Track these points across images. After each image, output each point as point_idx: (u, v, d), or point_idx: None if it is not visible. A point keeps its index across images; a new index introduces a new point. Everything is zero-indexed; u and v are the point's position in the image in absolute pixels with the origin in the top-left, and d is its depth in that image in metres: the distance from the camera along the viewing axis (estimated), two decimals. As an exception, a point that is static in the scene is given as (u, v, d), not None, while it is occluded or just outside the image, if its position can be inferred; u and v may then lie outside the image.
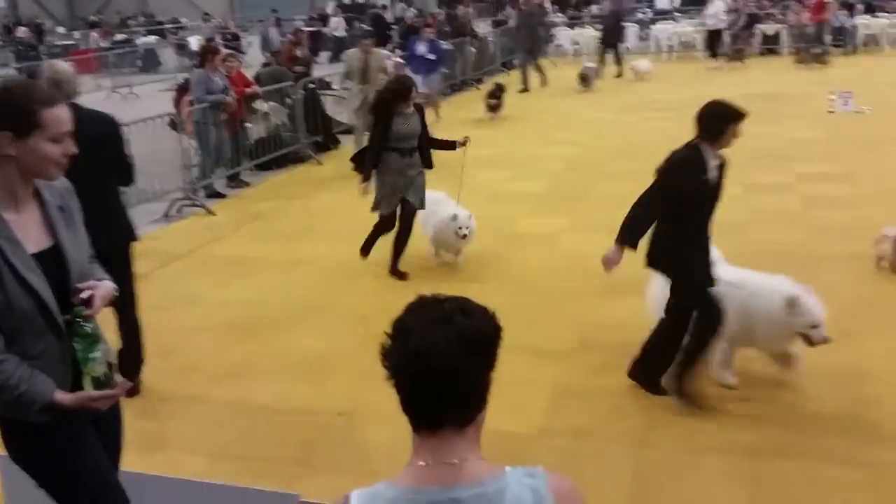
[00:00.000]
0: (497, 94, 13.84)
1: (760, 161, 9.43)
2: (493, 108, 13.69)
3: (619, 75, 18.06)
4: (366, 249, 6.70)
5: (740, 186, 8.46)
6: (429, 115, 10.87)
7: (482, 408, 1.59)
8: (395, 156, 6.29)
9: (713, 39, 19.70)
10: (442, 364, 1.49)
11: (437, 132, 8.93)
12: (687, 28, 22.05)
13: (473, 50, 18.54)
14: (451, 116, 13.69)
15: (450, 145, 6.62)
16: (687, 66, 19.39)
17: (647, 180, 4.33)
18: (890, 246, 6.00)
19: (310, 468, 4.00)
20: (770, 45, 20.99)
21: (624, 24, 20.22)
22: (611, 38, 18.60)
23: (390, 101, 6.32)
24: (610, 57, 18.36)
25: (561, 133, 12.37)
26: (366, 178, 6.43)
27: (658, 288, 4.60)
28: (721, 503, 3.60)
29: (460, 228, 6.49)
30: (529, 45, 17.18)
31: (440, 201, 6.76)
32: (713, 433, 4.11)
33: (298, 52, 13.15)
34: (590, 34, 22.24)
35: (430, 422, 1.54)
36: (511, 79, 17.19)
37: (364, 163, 6.57)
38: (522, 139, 12.24)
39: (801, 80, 16.11)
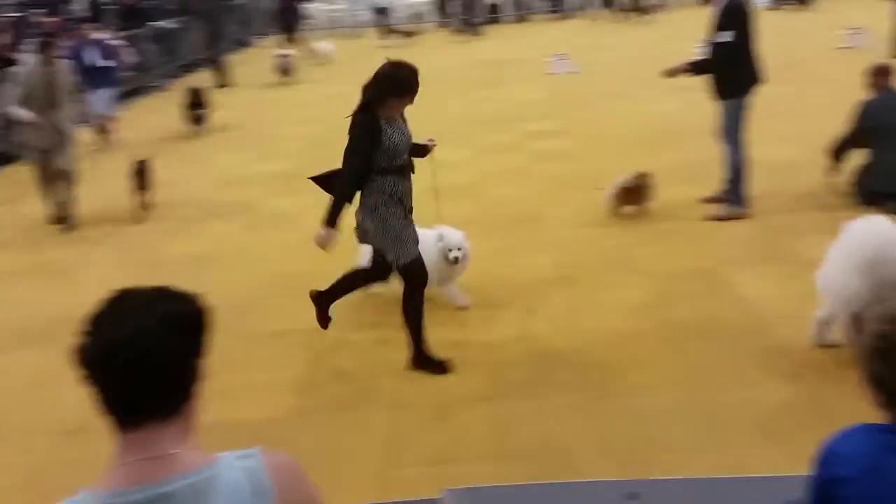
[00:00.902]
0: (200, 101, 11.16)
1: (489, 124, 10.06)
2: (198, 120, 11.09)
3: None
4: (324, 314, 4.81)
5: (470, 149, 9.01)
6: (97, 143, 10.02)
7: (191, 396, 1.55)
8: (394, 180, 4.33)
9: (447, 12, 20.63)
10: (141, 349, 1.41)
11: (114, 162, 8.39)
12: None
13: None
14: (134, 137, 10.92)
15: (422, 151, 4.65)
16: (424, 38, 20.07)
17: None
18: (614, 193, 6.66)
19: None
20: (495, 14, 22.35)
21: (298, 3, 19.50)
22: (287, 20, 17.87)
23: (387, 99, 4.25)
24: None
25: (302, 111, 12.33)
26: (333, 223, 4.24)
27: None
28: (472, 444, 3.85)
29: (450, 251, 5.01)
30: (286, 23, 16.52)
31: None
32: (458, 385, 4.37)
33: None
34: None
35: (132, 416, 1.45)
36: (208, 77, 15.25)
37: (337, 193, 4.31)
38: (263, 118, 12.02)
39: (523, 46, 17.30)
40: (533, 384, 4.34)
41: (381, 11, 19.70)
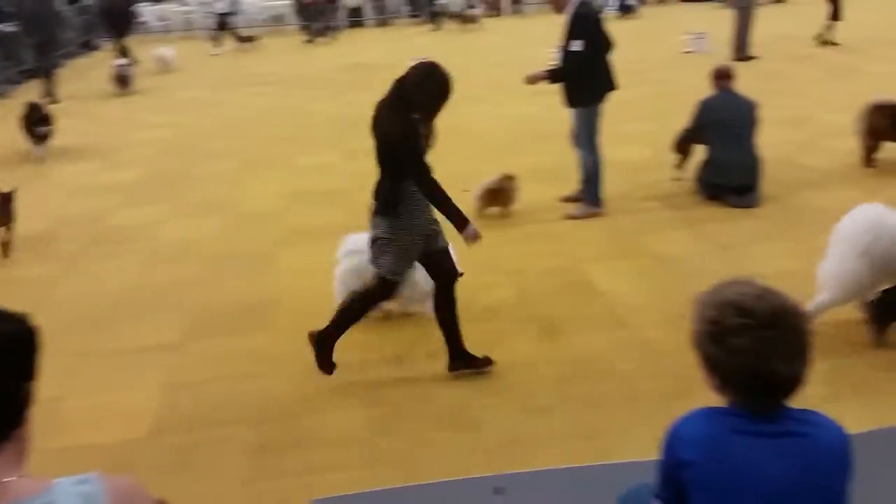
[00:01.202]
0: (41, 117, 9.61)
1: (357, 128, 9.96)
2: (41, 138, 9.58)
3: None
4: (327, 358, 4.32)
5: (338, 154, 8.93)
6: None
7: (22, 421, 1.46)
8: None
9: (306, 15, 20.19)
10: None
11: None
12: (278, 2, 22.35)
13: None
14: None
15: None
16: (282, 41, 19.71)
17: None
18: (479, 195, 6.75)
19: None
20: (356, 18, 22.27)
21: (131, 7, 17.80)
22: (114, 23, 16.27)
23: (439, 105, 3.99)
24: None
25: (154, 116, 11.81)
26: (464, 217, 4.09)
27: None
28: (340, 453, 3.79)
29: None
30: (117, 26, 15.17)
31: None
32: (322, 394, 4.30)
33: None
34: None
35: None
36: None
37: (443, 196, 4.07)
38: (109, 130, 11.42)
39: (386, 50, 17.32)
40: (399, 389, 4.33)
41: (224, 15, 18.42)
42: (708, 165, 6.82)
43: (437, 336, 4.34)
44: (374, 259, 4.15)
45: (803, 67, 12.24)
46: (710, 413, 1.80)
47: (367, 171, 6.94)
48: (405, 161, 3.97)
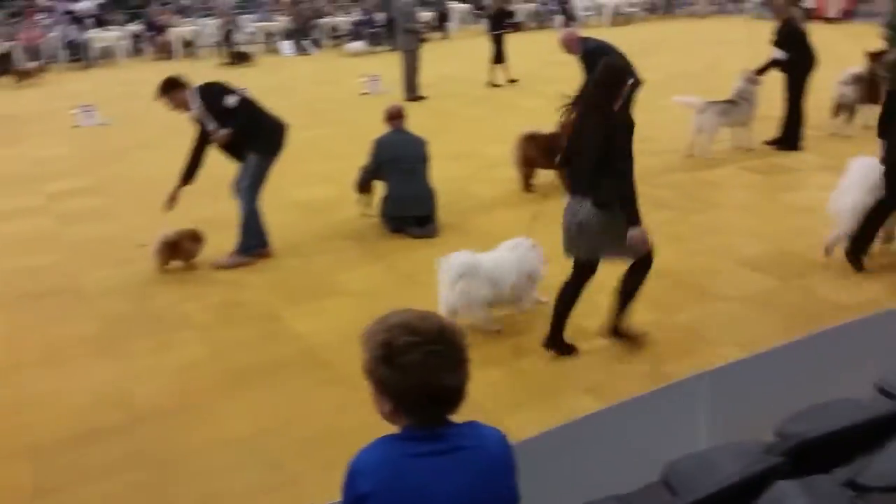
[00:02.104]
0: None
1: (3, 186, 8.88)
2: None
3: None
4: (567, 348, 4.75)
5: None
6: None
7: None
8: None
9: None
10: None
11: None
12: None
13: None
14: None
15: None
16: None
17: None
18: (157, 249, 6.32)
19: None
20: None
21: None
22: None
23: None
24: None
25: None
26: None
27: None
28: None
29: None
30: None
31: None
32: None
33: None
34: None
35: None
36: None
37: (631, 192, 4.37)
38: None
39: (42, 98, 15.75)
40: (99, 469, 3.86)
41: None
42: (388, 200, 7.08)
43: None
44: (575, 244, 4.53)
45: (467, 105, 13.32)
46: (386, 441, 1.81)
47: (19, 235, 6.31)
48: (620, 153, 4.29)
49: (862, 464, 2.30)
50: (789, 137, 9.17)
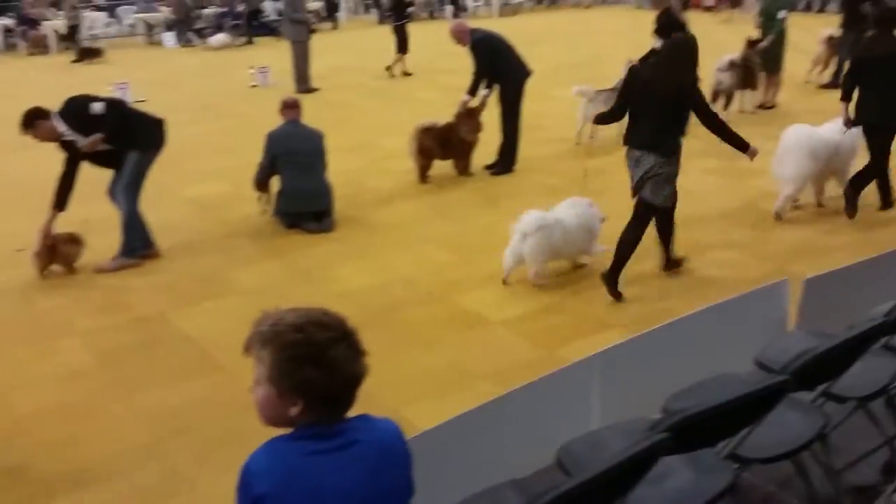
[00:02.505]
0: None
1: None
2: None
3: None
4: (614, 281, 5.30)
5: None
6: None
7: None
8: None
9: None
10: None
11: None
12: None
13: None
14: None
15: None
16: None
17: None
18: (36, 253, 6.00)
19: None
20: None
21: None
22: None
23: None
24: None
25: None
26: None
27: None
28: None
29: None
30: None
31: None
32: None
33: None
34: None
35: None
36: None
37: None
38: None
39: None
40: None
41: None
42: (283, 195, 6.94)
43: None
44: (652, 193, 5.14)
45: (361, 97, 13.22)
46: (278, 442, 1.78)
47: None
48: (691, 103, 5.07)
49: (743, 437, 2.42)
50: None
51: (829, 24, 13.26)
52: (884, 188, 6.71)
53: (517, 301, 5.38)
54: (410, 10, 15.90)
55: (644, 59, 5.72)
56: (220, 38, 19.38)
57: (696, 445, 2.29)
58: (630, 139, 5.21)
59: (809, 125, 6.77)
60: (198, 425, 4.11)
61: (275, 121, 7.12)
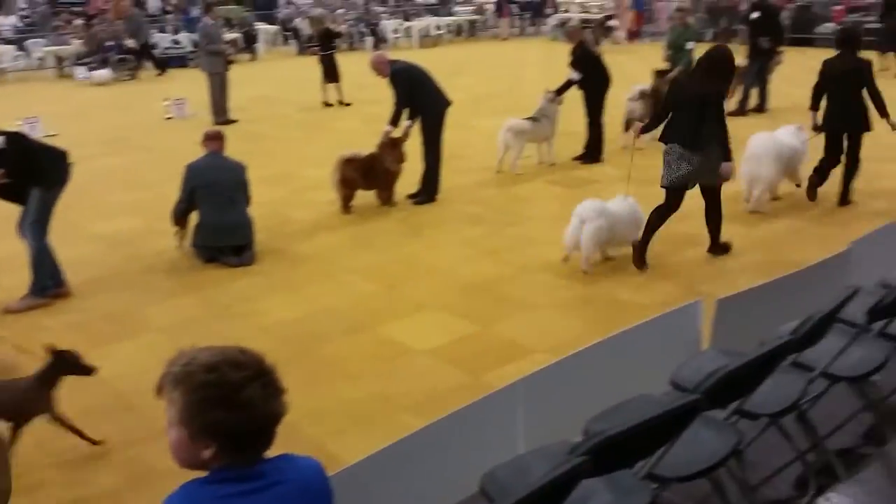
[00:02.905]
0: None
1: None
2: None
3: None
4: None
5: None
6: None
7: None
8: None
9: None
10: None
11: None
12: None
13: None
14: None
15: None
16: None
17: None
18: None
19: None
20: None
21: None
22: None
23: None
24: None
25: None
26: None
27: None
28: None
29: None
30: None
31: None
32: None
33: None
34: None
35: None
36: None
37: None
38: None
39: None
40: None
41: None
42: (202, 228, 6.78)
43: None
44: (672, 176, 6.17)
45: (280, 128, 13.10)
46: (193, 486, 1.71)
47: None
48: (715, 111, 6.00)
49: (659, 456, 2.47)
50: (591, 152, 9.82)
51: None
52: (846, 184, 7.64)
53: (440, 330, 5.38)
54: (337, 40, 15.85)
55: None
56: (102, 73, 18.66)
57: (615, 467, 2.32)
58: (665, 136, 6.27)
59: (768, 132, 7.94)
60: (110, 470, 3.95)
61: (191, 153, 6.98)
